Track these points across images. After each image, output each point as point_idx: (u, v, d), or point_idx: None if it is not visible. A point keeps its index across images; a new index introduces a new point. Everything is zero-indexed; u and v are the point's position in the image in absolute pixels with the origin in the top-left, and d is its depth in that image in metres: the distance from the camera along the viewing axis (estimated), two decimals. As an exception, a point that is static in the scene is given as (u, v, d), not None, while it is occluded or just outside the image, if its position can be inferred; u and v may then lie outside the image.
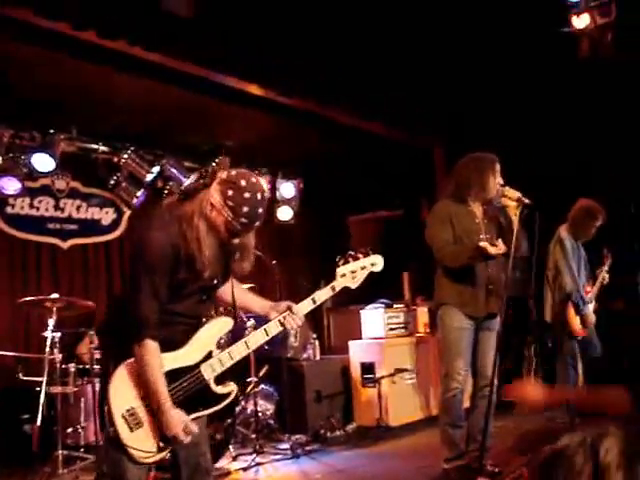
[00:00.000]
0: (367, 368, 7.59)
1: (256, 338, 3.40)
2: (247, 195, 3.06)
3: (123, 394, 3.03)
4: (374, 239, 9.84)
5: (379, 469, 5.94)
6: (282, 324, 3.48)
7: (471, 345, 5.15)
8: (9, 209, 7.12)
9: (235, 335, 6.63)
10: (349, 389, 7.74)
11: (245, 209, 3.07)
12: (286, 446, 6.55)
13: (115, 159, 7.45)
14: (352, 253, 3.78)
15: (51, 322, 5.53)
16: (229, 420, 6.06)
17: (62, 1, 4.97)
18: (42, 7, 4.93)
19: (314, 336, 7.99)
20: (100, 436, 5.79)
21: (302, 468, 6.09)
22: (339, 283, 3.68)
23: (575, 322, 6.47)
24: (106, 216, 7.86)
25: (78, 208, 7.62)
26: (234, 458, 6.15)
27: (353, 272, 3.71)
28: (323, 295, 3.62)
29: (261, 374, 6.76)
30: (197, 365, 3.17)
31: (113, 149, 7.44)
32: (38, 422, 5.20)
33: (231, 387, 3.28)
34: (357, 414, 7.62)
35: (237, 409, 6.47)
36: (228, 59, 6.15)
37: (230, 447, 6.14)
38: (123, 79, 6.18)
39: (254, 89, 6.70)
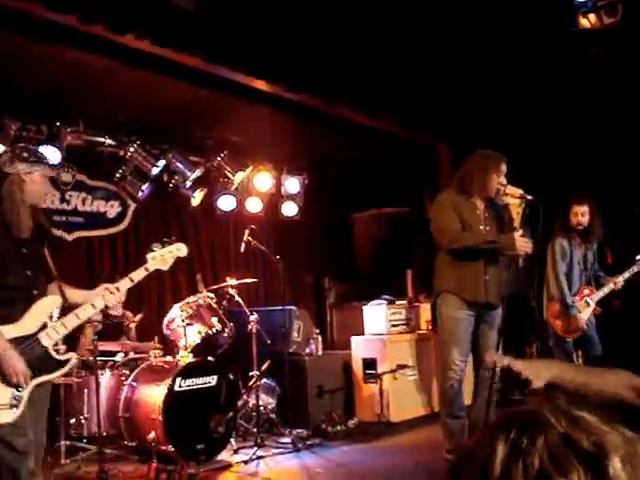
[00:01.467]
0: (369, 364, 7.62)
1: (85, 310, 3.89)
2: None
3: None
4: (378, 236, 9.87)
5: (380, 464, 5.98)
6: (104, 301, 3.97)
7: (469, 336, 5.19)
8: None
9: (240, 325, 6.72)
10: (351, 384, 7.78)
11: None
12: (287, 440, 6.59)
13: (121, 152, 7.47)
14: (165, 239, 4.47)
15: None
16: (231, 413, 6.11)
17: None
18: (51, 0, 4.96)
19: (317, 331, 8.03)
20: (103, 427, 5.85)
21: (303, 462, 6.13)
22: (151, 265, 4.22)
23: (557, 324, 6.50)
24: (111, 209, 7.89)
25: (84, 201, 7.65)
26: (235, 451, 6.20)
27: (162, 256, 4.28)
28: (138, 275, 4.13)
29: (263, 368, 6.79)
30: (35, 334, 3.67)
31: (119, 142, 7.45)
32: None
33: (70, 355, 3.83)
34: (358, 409, 7.66)
35: (239, 403, 6.51)
36: (235, 54, 6.17)
37: (232, 440, 6.19)
38: (130, 73, 6.21)
39: (261, 84, 6.72)
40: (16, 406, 3.53)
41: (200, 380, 5.96)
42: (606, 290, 6.54)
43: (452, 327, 5.16)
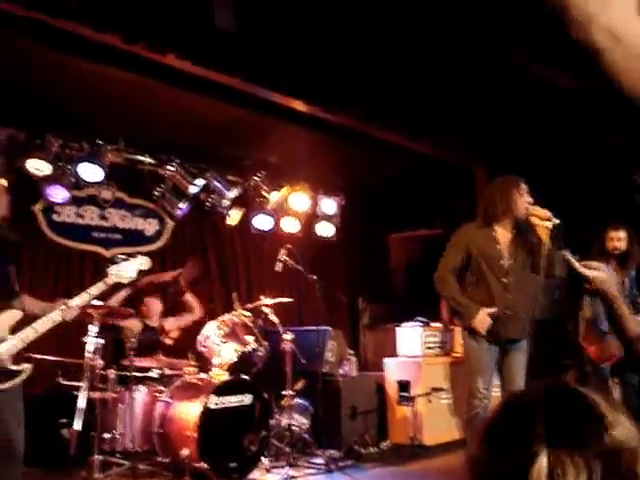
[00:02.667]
0: (403, 386, 7.58)
1: (43, 324, 4.12)
2: None
3: None
4: (413, 257, 9.84)
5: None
6: (62, 315, 4.21)
7: (493, 365, 5.17)
8: (55, 217, 7.28)
9: (274, 344, 6.73)
10: (384, 406, 7.73)
11: None
12: (320, 461, 6.56)
13: (160, 171, 7.57)
14: (123, 256, 4.72)
15: (93, 328, 5.60)
16: (264, 432, 6.10)
17: (114, 15, 5.09)
18: (94, 20, 5.05)
19: (351, 352, 8.01)
20: (137, 443, 5.87)
21: (335, 483, 6.10)
22: (110, 280, 4.50)
23: (591, 350, 6.40)
24: (149, 227, 7.98)
25: (123, 218, 7.75)
26: (268, 470, 6.18)
27: (123, 269, 4.57)
28: (97, 288, 4.41)
29: (297, 388, 6.78)
30: None
31: (159, 161, 7.56)
32: (76, 427, 5.27)
33: (26, 366, 4.03)
34: (391, 432, 7.60)
35: (272, 422, 6.50)
36: (274, 74, 6.23)
37: (264, 459, 6.18)
38: (170, 92, 6.30)
39: (298, 105, 6.77)
40: None
41: (234, 398, 5.97)
42: None
43: (475, 356, 5.16)
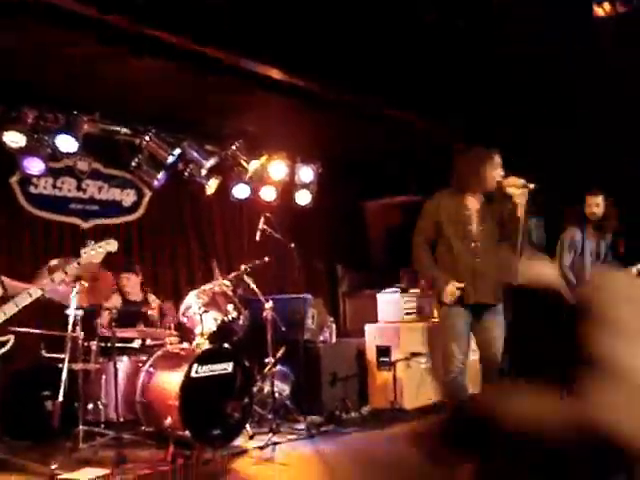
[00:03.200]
0: (383, 351, 7.68)
1: (22, 299, 4.52)
2: None
3: None
4: (390, 224, 9.90)
5: (393, 450, 6.02)
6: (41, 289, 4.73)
7: (467, 330, 5.26)
8: (32, 189, 7.23)
9: (255, 313, 6.79)
10: (364, 372, 7.84)
11: None
12: (302, 426, 6.65)
13: (137, 141, 7.52)
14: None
15: (74, 300, 5.59)
16: (246, 400, 6.16)
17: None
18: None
19: (331, 319, 8.08)
20: (121, 413, 5.92)
21: (317, 448, 6.18)
22: (83, 259, 5.03)
23: None
24: (127, 197, 7.95)
25: (100, 189, 7.72)
26: (251, 437, 6.25)
27: (94, 251, 5.09)
28: (71, 269, 4.96)
29: (278, 355, 6.85)
30: None
31: (135, 131, 7.51)
32: (60, 398, 5.30)
33: (8, 337, 4.45)
34: (372, 396, 7.72)
35: (254, 389, 6.57)
36: (250, 43, 6.20)
37: (247, 426, 6.25)
38: (146, 62, 6.24)
39: (276, 73, 6.74)
40: None
41: (216, 367, 6.02)
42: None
43: (449, 322, 5.25)
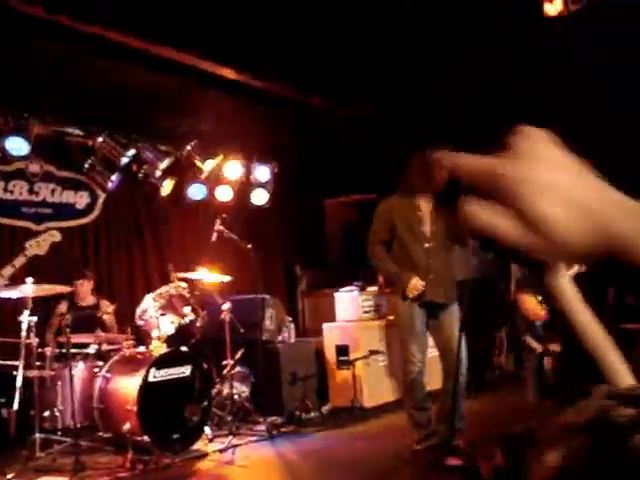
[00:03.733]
0: (341, 350, 7.68)
1: None
2: None
3: None
4: (347, 223, 9.91)
5: (354, 450, 6.03)
6: None
7: (424, 329, 5.31)
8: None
9: (212, 314, 6.75)
10: (324, 371, 7.84)
11: None
12: (262, 428, 6.63)
13: (89, 142, 7.42)
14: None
15: (26, 308, 5.52)
16: (205, 402, 6.12)
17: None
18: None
19: (289, 319, 8.06)
20: (78, 419, 5.84)
21: (278, 449, 6.17)
22: (30, 252, 5.16)
23: (527, 308, 6.62)
24: (81, 200, 7.84)
25: (52, 192, 7.59)
26: (210, 440, 6.21)
27: (38, 242, 5.25)
28: (19, 261, 5.20)
29: (237, 357, 6.82)
30: None
31: (87, 132, 7.41)
32: (15, 406, 5.21)
33: None
34: (332, 395, 7.72)
35: (213, 391, 6.53)
36: (204, 43, 6.15)
37: (206, 429, 6.21)
38: (98, 61, 6.17)
39: (228, 73, 6.70)
40: None
41: (174, 370, 5.97)
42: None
43: (407, 322, 5.30)
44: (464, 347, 5.21)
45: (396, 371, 7.89)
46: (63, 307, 6.65)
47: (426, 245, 5.28)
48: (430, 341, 5.52)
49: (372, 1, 6.23)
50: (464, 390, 5.25)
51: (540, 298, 6.59)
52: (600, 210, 0.75)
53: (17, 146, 6.67)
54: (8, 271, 4.85)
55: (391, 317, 8.18)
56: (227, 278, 7.09)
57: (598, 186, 0.77)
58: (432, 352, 5.67)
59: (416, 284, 5.17)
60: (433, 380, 6.01)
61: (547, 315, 6.60)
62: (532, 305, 6.66)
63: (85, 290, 6.93)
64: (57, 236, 5.43)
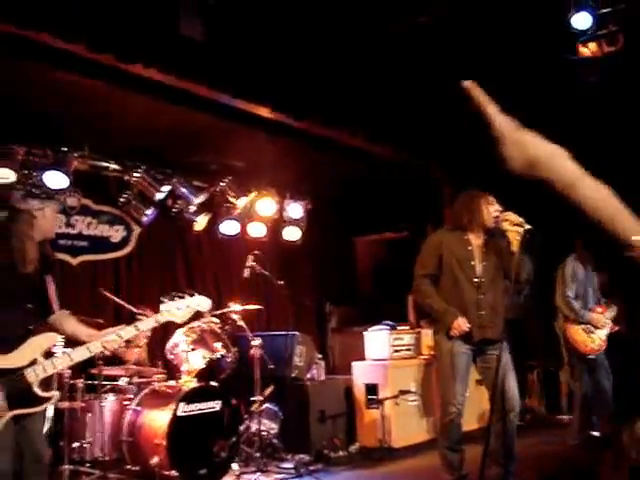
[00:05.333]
0: (371, 389, 7.64)
1: (79, 353, 3.99)
2: None
3: None
4: (379, 260, 9.92)
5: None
6: (102, 347, 4.08)
7: (468, 370, 5.23)
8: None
9: (243, 350, 6.76)
10: (353, 410, 7.79)
11: None
12: (289, 465, 6.60)
13: (126, 177, 7.55)
14: (179, 293, 4.46)
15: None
16: (233, 438, 6.12)
17: (80, 24, 5.08)
18: (60, 29, 5.04)
19: (319, 356, 8.05)
20: (106, 451, 5.86)
21: (305, 488, 6.14)
22: (163, 317, 4.30)
23: (578, 343, 6.64)
24: (116, 233, 7.94)
25: (88, 225, 7.70)
26: (238, 476, 6.19)
27: (178, 309, 4.35)
28: (146, 325, 4.25)
29: (266, 393, 6.80)
30: (21, 368, 3.76)
31: (124, 167, 7.54)
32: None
33: (53, 393, 3.93)
34: (360, 435, 7.66)
35: (241, 428, 6.52)
36: (239, 82, 6.25)
37: (234, 465, 6.19)
38: (136, 99, 6.28)
39: (264, 111, 6.79)
40: None
41: (203, 405, 5.98)
42: (616, 309, 6.73)
43: (452, 363, 5.19)
44: (515, 385, 5.15)
45: (427, 411, 7.83)
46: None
47: (476, 280, 5.23)
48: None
49: (378, 36, 6.30)
50: (515, 430, 5.14)
51: (590, 331, 6.62)
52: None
53: (56, 180, 6.78)
54: (131, 332, 4.15)
55: (424, 356, 8.15)
56: (256, 308, 7.10)
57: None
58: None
59: (460, 324, 5.11)
60: (468, 420, 5.94)
61: (596, 349, 6.64)
62: (582, 338, 6.66)
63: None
64: (205, 305, 4.58)
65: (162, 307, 4.30)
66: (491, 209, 5.21)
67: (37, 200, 4.03)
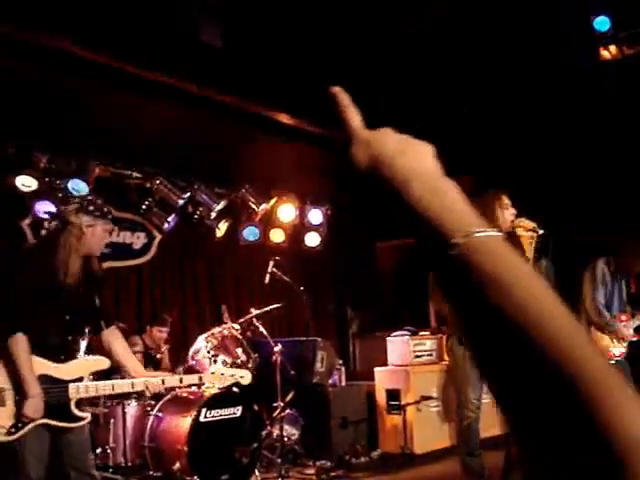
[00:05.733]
0: (392, 395, 7.62)
1: (122, 386, 4.17)
2: None
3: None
4: (400, 266, 9.89)
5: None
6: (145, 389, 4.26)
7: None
8: (43, 232, 7.27)
9: (264, 356, 6.76)
10: (374, 415, 7.77)
11: None
12: (311, 471, 6.60)
13: (147, 184, 7.59)
14: (229, 361, 5.16)
15: (82, 345, 5.60)
16: (255, 444, 6.12)
17: (103, 32, 5.13)
18: (83, 37, 5.10)
19: (340, 362, 8.04)
20: (129, 457, 5.88)
21: (327, 494, 6.13)
22: (207, 378, 4.76)
23: (602, 346, 6.56)
24: (137, 240, 7.98)
25: (111, 232, 7.73)
26: (259, 482, 6.20)
27: (222, 374, 4.78)
28: (188, 380, 4.62)
29: (287, 399, 6.81)
30: (66, 382, 3.87)
31: (145, 175, 7.58)
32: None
33: (87, 414, 4.03)
34: (382, 441, 7.64)
35: (263, 434, 6.52)
36: (259, 89, 6.29)
37: (256, 471, 6.19)
38: (158, 107, 6.34)
39: (284, 118, 6.83)
40: (13, 434, 3.74)
41: (225, 411, 5.99)
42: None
43: (465, 366, 5.21)
44: None
45: (449, 417, 7.79)
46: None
47: None
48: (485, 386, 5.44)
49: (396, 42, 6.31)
50: None
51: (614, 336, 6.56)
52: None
53: (77, 187, 6.85)
54: (174, 381, 4.53)
55: (445, 361, 8.12)
56: (276, 307, 7.11)
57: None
58: (486, 398, 5.58)
59: None
60: (490, 426, 5.92)
61: (617, 355, 6.57)
62: (606, 343, 6.60)
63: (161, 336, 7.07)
64: (247, 379, 5.12)
65: (210, 368, 4.91)
66: (506, 213, 5.21)
67: (90, 216, 4.11)
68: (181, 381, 4.45)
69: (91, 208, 4.15)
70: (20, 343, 3.76)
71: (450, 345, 5.40)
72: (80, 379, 3.93)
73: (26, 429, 3.75)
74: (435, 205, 0.85)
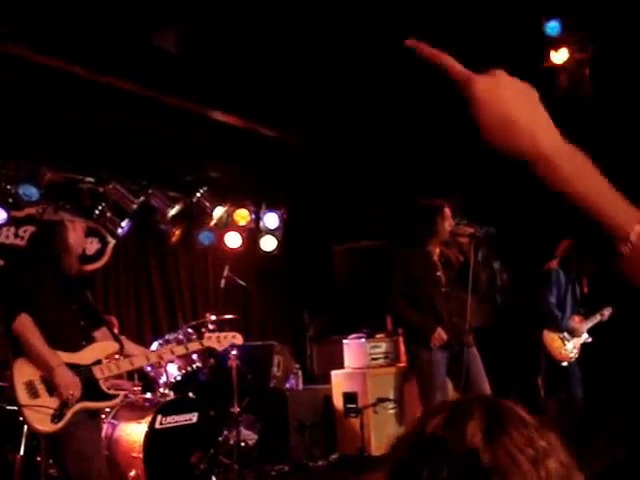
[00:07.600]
0: (350, 398, 7.63)
1: (139, 360, 4.48)
2: None
3: (24, 369, 3.91)
4: (356, 269, 9.90)
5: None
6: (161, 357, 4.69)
7: (445, 377, 5.30)
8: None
9: (220, 361, 6.72)
10: (332, 419, 7.77)
11: None
12: (269, 476, 6.57)
13: (100, 189, 7.50)
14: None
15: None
16: (212, 450, 6.07)
17: (54, 35, 5.07)
18: (34, 41, 5.03)
19: (297, 366, 8.03)
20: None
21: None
22: (207, 342, 5.01)
23: (554, 348, 6.62)
24: (90, 246, 7.87)
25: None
26: (217, 488, 6.16)
27: (218, 338, 5.08)
28: (193, 346, 5.00)
29: (244, 404, 6.78)
30: (88, 365, 4.08)
31: (98, 179, 7.49)
32: (21, 452, 5.18)
33: (119, 392, 4.31)
34: (340, 444, 7.64)
35: (220, 439, 6.48)
36: (212, 93, 6.26)
37: (213, 477, 6.14)
38: (109, 111, 6.27)
39: (238, 121, 6.81)
40: (57, 421, 3.86)
41: (181, 417, 5.93)
42: (595, 320, 6.72)
43: (431, 371, 5.28)
44: (488, 389, 5.19)
45: (406, 419, 7.82)
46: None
47: (443, 289, 5.36)
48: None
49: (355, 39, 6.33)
50: None
51: (566, 339, 6.62)
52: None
53: (28, 192, 6.74)
54: (181, 350, 4.87)
55: (402, 363, 8.15)
56: (232, 317, 7.08)
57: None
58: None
59: (441, 333, 5.22)
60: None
61: (570, 357, 6.64)
62: (558, 344, 6.66)
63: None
64: (239, 340, 5.40)
65: (206, 335, 5.14)
66: (446, 224, 5.34)
67: (68, 214, 4.40)
68: (187, 349, 4.85)
69: (67, 207, 4.47)
70: (25, 321, 3.87)
71: (412, 351, 5.49)
72: (99, 362, 4.12)
73: (69, 414, 3.85)
74: (603, 198, 0.94)
